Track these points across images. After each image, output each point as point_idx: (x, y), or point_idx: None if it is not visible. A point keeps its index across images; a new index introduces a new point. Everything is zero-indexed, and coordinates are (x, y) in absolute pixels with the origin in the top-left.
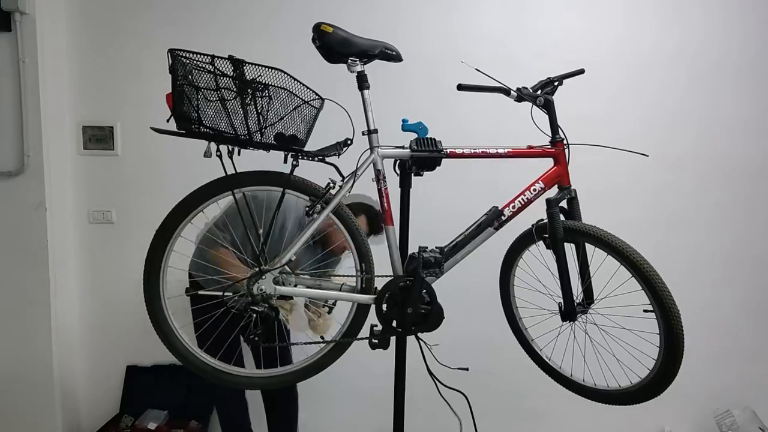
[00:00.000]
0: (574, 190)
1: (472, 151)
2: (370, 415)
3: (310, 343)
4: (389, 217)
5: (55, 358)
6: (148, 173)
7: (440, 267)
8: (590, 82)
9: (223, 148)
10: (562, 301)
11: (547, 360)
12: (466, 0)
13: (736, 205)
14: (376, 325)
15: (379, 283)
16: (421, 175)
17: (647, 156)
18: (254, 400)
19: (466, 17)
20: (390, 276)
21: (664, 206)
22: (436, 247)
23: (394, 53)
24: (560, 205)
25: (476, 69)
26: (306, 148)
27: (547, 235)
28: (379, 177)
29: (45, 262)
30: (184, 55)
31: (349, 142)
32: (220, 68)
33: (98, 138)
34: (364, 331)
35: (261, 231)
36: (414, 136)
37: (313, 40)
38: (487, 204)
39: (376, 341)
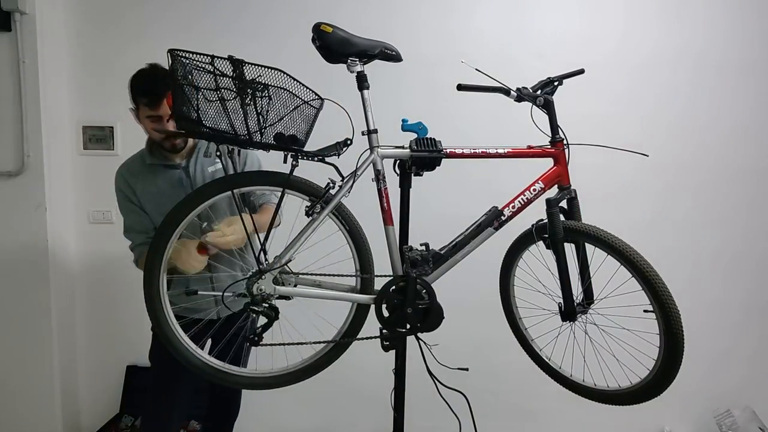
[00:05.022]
0: (574, 190)
1: (472, 151)
2: (370, 415)
3: (311, 343)
4: (389, 217)
5: (55, 358)
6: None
7: (428, 264)
8: (591, 83)
9: (223, 148)
10: (562, 301)
11: (547, 360)
12: (466, 0)
13: (738, 205)
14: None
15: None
16: (421, 175)
17: (647, 156)
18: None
19: (466, 17)
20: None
21: (664, 206)
22: (421, 244)
23: (393, 53)
24: (560, 205)
25: (476, 69)
26: (306, 148)
27: (547, 235)
28: (379, 177)
29: (45, 262)
30: (183, 55)
31: (348, 142)
32: (220, 68)
33: (98, 138)
34: (365, 331)
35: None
36: (414, 136)
37: (313, 40)
38: (487, 204)
39: (388, 343)
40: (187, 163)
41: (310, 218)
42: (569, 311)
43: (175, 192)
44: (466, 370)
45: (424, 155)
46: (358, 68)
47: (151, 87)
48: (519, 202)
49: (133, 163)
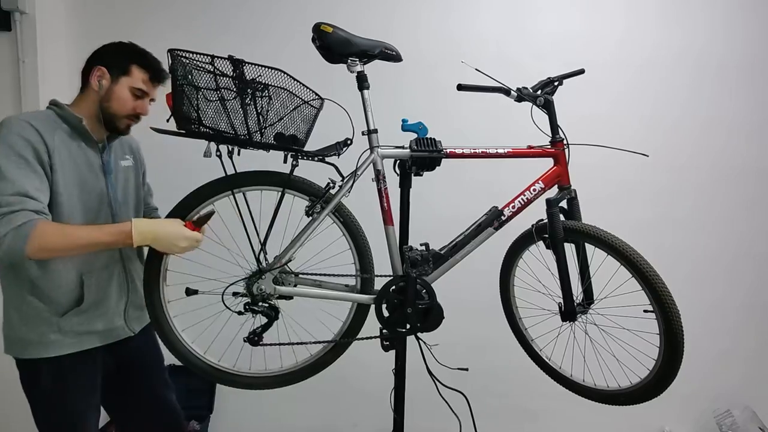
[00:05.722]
0: (574, 190)
1: (472, 151)
2: (370, 415)
3: (310, 343)
4: (389, 217)
5: None
6: (147, 173)
7: (428, 264)
8: (591, 83)
9: (223, 148)
10: (562, 301)
11: (547, 360)
12: (466, 0)
13: (738, 206)
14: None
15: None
16: (421, 175)
17: (647, 156)
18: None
19: (466, 17)
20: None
21: (664, 207)
22: (421, 244)
23: (393, 53)
24: (560, 205)
25: (476, 69)
26: (306, 148)
27: (547, 235)
28: (379, 177)
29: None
30: (183, 55)
31: (349, 142)
32: (220, 68)
33: None
34: (365, 331)
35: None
36: (414, 136)
37: (313, 40)
38: (487, 204)
39: (388, 343)
40: (103, 147)
41: (310, 218)
42: (569, 311)
43: (92, 175)
44: (466, 370)
45: (424, 155)
46: (358, 68)
47: (159, 65)
48: (519, 202)
49: (44, 120)
